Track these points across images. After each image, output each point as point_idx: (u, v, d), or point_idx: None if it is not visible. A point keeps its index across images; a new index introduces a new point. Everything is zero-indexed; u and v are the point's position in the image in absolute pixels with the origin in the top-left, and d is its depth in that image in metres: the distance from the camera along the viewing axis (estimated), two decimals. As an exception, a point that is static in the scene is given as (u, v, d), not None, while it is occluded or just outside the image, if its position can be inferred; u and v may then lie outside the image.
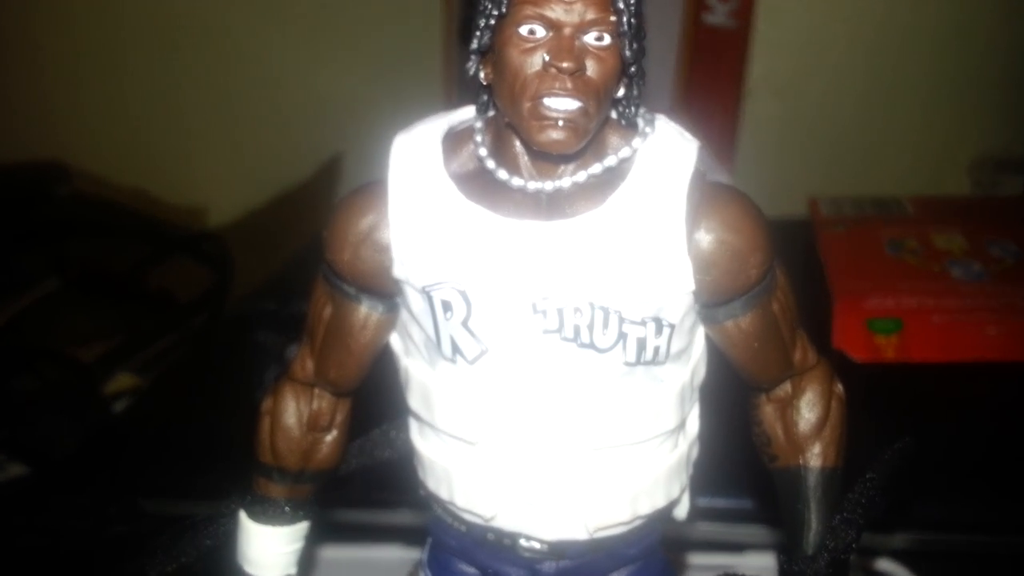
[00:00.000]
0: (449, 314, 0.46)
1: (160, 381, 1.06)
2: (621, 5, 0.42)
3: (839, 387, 0.52)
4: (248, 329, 1.01)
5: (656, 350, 0.47)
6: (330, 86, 1.49)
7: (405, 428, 0.53)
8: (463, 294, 0.46)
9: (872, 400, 0.88)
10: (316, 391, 0.54)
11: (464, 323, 0.46)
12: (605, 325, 0.46)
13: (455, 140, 0.48)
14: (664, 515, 0.53)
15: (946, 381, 0.94)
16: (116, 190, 1.49)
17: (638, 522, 0.51)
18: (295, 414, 0.53)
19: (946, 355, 0.96)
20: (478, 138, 0.48)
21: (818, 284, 1.07)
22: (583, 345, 0.46)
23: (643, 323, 0.46)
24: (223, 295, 1.21)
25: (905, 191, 1.30)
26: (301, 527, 0.56)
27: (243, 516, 0.55)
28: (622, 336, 0.46)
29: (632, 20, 0.43)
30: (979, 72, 1.35)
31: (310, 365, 0.53)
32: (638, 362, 0.47)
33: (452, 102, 1.36)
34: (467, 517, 0.51)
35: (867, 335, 0.98)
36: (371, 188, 0.48)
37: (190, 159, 1.56)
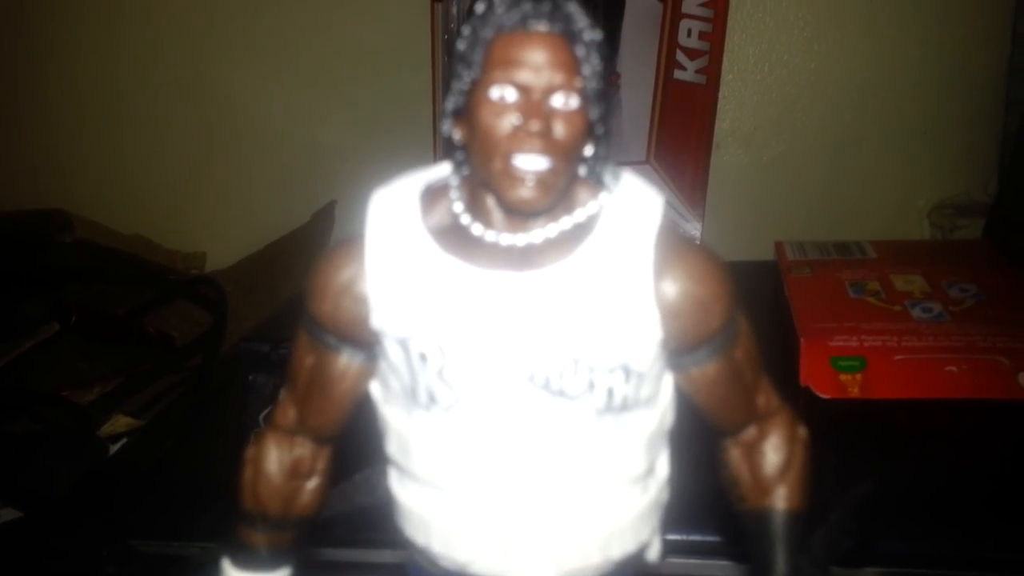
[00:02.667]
0: (425, 364, 0.46)
1: (155, 423, 1.05)
2: (587, 71, 0.43)
3: (802, 431, 0.52)
4: (242, 371, 1.00)
5: (625, 398, 0.46)
6: (325, 138, 1.50)
7: (385, 474, 0.52)
8: (439, 344, 0.45)
9: (838, 435, 0.88)
10: (298, 439, 0.52)
11: (439, 373, 0.45)
12: (575, 373, 0.45)
13: (432, 196, 0.48)
14: (635, 559, 0.52)
15: (908, 418, 0.94)
16: (117, 238, 1.48)
17: (609, 566, 0.50)
18: (277, 462, 0.52)
19: (908, 392, 0.96)
20: (454, 194, 0.48)
21: (785, 323, 1.07)
22: (554, 393, 0.45)
23: (612, 371, 0.45)
24: (219, 337, 1.20)
25: (867, 236, 1.31)
26: (282, 574, 0.55)
27: (226, 564, 0.54)
28: (592, 384, 0.45)
29: (597, 84, 0.43)
30: (937, 121, 1.37)
31: (292, 413, 0.52)
32: (607, 409, 0.46)
33: (439, 155, 1.37)
34: (443, 563, 0.50)
35: (832, 373, 0.98)
36: (350, 242, 0.48)
37: (188, 208, 1.57)
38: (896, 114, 1.38)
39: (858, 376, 0.97)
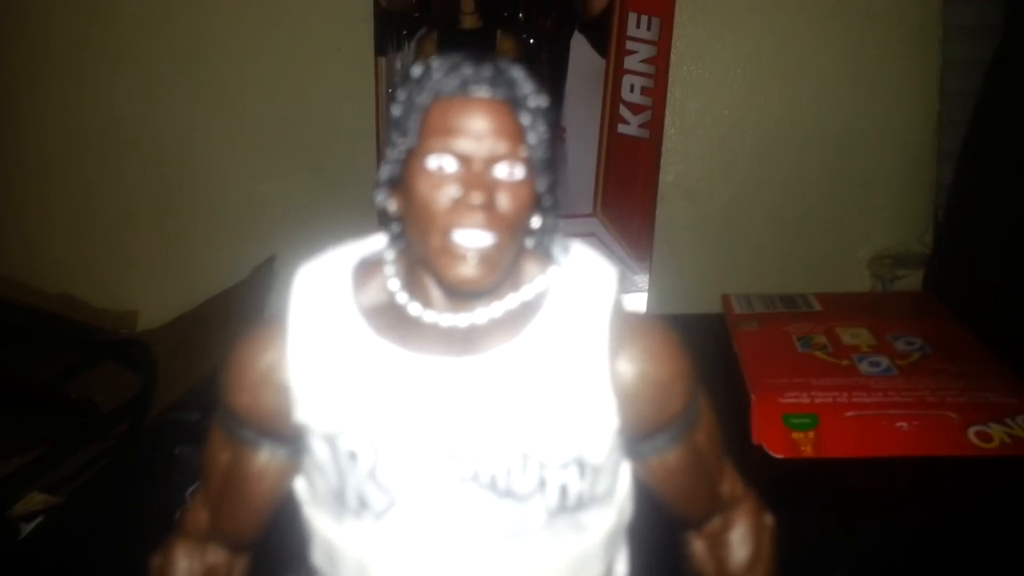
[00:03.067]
0: (355, 463, 0.40)
1: (72, 500, 0.95)
2: (533, 139, 0.39)
3: (768, 519, 0.47)
4: (168, 442, 0.92)
5: (580, 495, 0.41)
6: (264, 190, 1.43)
7: (310, 584, 0.46)
8: (370, 440, 0.40)
9: (792, 496, 0.84)
10: (210, 546, 0.46)
11: (371, 473, 0.40)
12: (524, 471, 0.40)
13: (366, 271, 0.43)
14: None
15: (862, 476, 0.91)
16: (42, 296, 1.39)
17: None
18: (186, 572, 0.46)
19: (861, 450, 0.93)
20: (389, 270, 0.43)
21: (734, 379, 1.04)
22: (500, 494, 0.40)
23: (565, 467, 0.40)
24: (146, 404, 1.11)
25: (810, 286, 1.30)
26: None
27: None
28: (543, 482, 0.40)
29: (543, 153, 0.39)
30: (878, 173, 1.37)
31: (204, 517, 0.46)
32: (561, 509, 0.41)
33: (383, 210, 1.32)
34: None
35: (784, 431, 0.94)
36: (271, 324, 0.42)
37: (119, 264, 1.48)
38: (834, 167, 1.38)
39: (810, 434, 0.94)
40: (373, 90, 1.32)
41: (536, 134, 0.39)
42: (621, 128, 1.30)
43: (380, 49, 1.31)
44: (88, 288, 1.46)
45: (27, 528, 0.92)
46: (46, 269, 1.45)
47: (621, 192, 1.32)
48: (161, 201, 1.46)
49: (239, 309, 1.35)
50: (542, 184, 0.40)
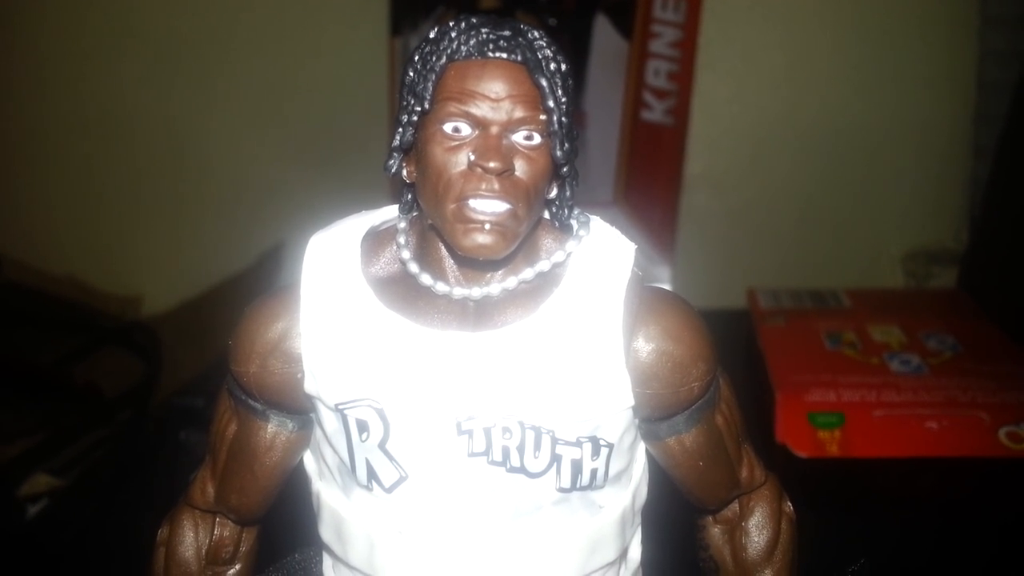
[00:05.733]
0: (365, 435, 0.40)
1: (78, 483, 0.97)
2: (551, 103, 0.39)
3: (788, 506, 0.47)
4: (174, 427, 0.94)
5: (593, 473, 0.41)
6: (274, 176, 1.44)
7: (319, 561, 0.47)
8: (380, 413, 0.40)
9: (817, 496, 0.84)
10: (218, 518, 0.47)
11: (381, 446, 0.40)
12: (537, 447, 0.40)
13: (376, 241, 0.44)
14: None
15: (890, 476, 0.91)
16: (48, 279, 1.41)
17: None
18: (193, 545, 0.46)
19: (889, 450, 0.93)
20: (401, 239, 0.43)
21: (759, 376, 1.04)
22: (512, 470, 0.40)
23: (578, 444, 0.41)
24: (151, 390, 1.13)
25: (840, 282, 1.29)
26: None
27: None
28: (556, 459, 0.40)
29: (563, 119, 0.39)
30: (911, 167, 1.36)
31: (211, 489, 0.46)
32: (573, 487, 0.41)
33: (395, 193, 1.33)
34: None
35: (810, 430, 0.95)
36: (283, 293, 0.43)
37: (126, 248, 1.50)
38: (867, 159, 1.37)
39: (836, 433, 0.94)
40: (387, 72, 1.33)
41: (555, 98, 0.39)
42: (645, 115, 1.30)
43: (396, 30, 1.32)
44: (93, 272, 1.48)
45: (32, 509, 0.94)
46: (51, 252, 1.47)
47: (644, 181, 1.33)
48: (168, 185, 1.48)
49: (246, 297, 1.37)
50: (560, 151, 0.39)
